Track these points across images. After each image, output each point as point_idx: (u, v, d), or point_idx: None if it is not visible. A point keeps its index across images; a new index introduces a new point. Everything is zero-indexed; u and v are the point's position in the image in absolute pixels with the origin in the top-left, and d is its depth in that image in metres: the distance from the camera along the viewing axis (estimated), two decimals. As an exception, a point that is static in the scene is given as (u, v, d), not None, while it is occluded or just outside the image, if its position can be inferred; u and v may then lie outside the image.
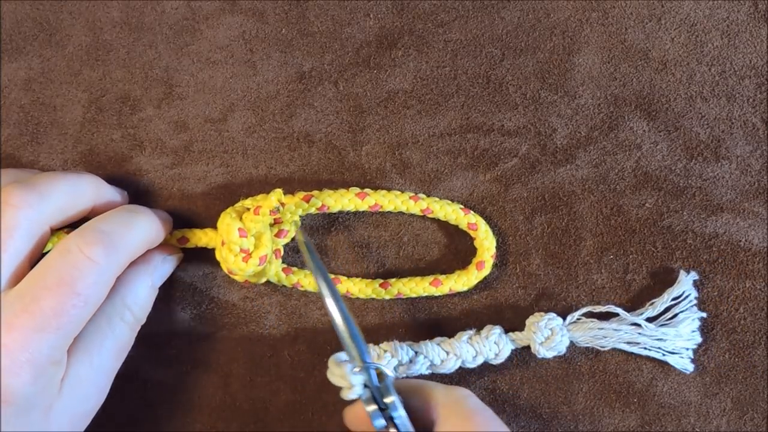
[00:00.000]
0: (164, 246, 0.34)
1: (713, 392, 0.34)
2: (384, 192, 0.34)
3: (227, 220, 0.32)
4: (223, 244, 0.32)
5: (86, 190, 0.32)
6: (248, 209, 0.32)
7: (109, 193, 0.33)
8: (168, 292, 0.34)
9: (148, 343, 0.34)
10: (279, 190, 0.32)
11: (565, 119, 0.34)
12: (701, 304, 0.34)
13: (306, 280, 0.34)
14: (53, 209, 0.30)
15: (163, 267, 0.33)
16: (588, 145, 0.34)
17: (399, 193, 0.34)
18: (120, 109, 0.35)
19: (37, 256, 0.30)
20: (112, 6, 0.35)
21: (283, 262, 0.34)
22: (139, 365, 0.35)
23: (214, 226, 0.34)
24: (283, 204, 0.32)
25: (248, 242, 0.32)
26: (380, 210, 0.34)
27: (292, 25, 0.34)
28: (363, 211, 0.35)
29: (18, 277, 0.29)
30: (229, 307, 0.35)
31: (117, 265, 0.30)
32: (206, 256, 0.34)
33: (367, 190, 0.34)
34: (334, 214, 0.35)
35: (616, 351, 0.34)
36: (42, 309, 0.28)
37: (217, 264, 0.35)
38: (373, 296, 0.34)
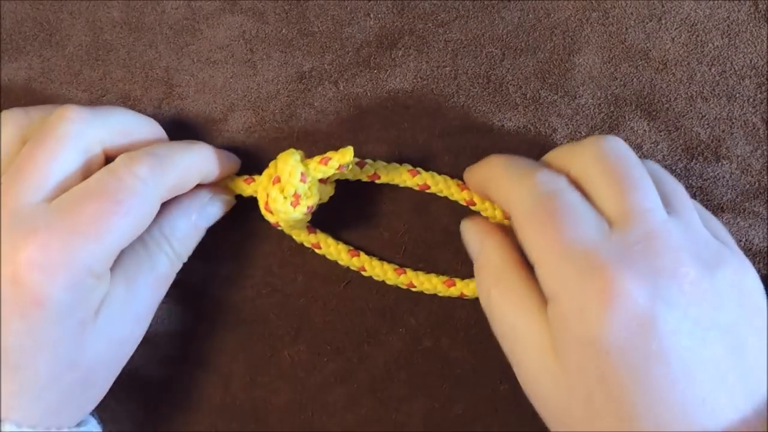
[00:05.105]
0: (215, 186, 0.33)
1: (713, 392, 0.34)
2: (434, 173, 0.33)
3: (291, 162, 0.31)
4: (275, 182, 0.31)
5: (144, 123, 0.32)
6: (306, 158, 0.32)
7: (162, 133, 0.33)
8: (168, 292, 0.34)
9: (148, 343, 0.34)
10: (351, 149, 0.31)
11: (566, 119, 0.34)
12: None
13: (325, 244, 0.34)
14: (108, 131, 0.30)
15: (210, 206, 0.33)
16: (588, 145, 0.34)
17: (449, 178, 0.33)
18: (120, 109, 0.35)
19: (86, 177, 0.29)
20: (112, 6, 0.35)
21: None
22: (139, 365, 0.35)
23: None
24: (351, 163, 0.31)
25: (303, 188, 0.31)
26: (427, 191, 0.33)
27: (292, 25, 0.34)
28: (362, 213, 0.35)
29: (64, 191, 0.28)
30: (229, 307, 0.35)
31: (163, 186, 0.30)
32: (208, 255, 0.34)
33: (419, 168, 0.33)
34: (340, 212, 0.34)
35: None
36: (83, 212, 0.27)
37: (217, 264, 0.35)
38: (385, 279, 0.34)
